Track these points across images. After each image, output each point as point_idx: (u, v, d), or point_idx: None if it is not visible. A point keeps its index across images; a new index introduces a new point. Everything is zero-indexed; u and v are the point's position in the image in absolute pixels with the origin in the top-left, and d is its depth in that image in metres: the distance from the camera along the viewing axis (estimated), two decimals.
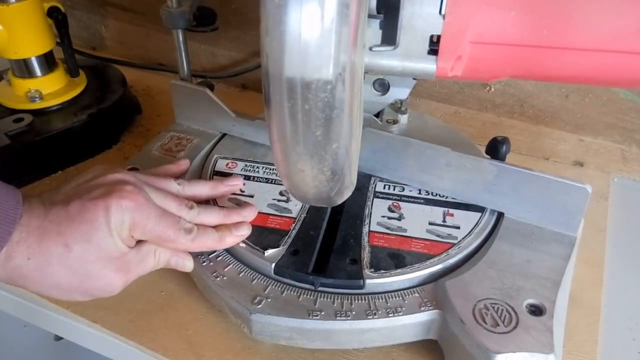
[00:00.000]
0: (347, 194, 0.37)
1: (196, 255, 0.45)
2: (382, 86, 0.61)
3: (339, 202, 0.38)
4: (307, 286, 0.43)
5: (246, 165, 0.55)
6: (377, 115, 0.62)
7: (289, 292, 0.42)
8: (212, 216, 0.45)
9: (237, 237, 0.45)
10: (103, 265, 0.39)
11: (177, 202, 0.43)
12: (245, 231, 0.45)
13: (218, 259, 0.45)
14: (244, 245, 0.45)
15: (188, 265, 0.44)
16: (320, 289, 0.42)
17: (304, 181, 0.33)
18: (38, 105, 0.67)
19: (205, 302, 0.47)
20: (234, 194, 0.51)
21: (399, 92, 0.61)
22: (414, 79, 0.59)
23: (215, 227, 0.45)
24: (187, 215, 0.43)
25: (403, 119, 0.63)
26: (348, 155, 0.33)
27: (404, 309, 0.41)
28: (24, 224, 0.37)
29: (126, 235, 0.40)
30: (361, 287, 0.42)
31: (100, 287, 0.40)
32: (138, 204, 0.40)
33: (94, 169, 0.44)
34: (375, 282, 0.42)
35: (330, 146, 0.31)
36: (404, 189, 0.51)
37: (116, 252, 0.40)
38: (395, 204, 0.50)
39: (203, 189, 0.49)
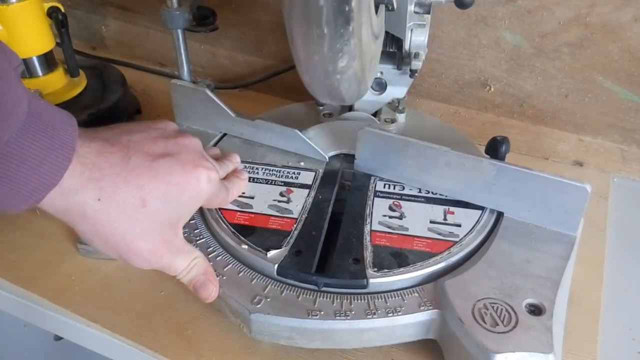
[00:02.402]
0: (356, 90, 0.41)
1: None
2: (379, 85, 0.61)
3: (349, 100, 0.42)
4: (308, 286, 0.43)
5: (246, 167, 0.55)
6: (375, 114, 0.62)
7: (288, 291, 0.42)
8: (225, 169, 0.50)
9: (245, 180, 0.52)
10: (160, 230, 0.39)
11: (216, 164, 0.47)
12: (246, 173, 0.53)
13: (217, 259, 0.45)
14: (245, 246, 0.45)
15: (206, 294, 0.42)
16: (322, 288, 0.42)
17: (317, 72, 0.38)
18: None
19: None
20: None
21: (396, 91, 0.61)
22: (412, 75, 0.59)
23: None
24: (221, 174, 0.48)
25: (401, 117, 0.63)
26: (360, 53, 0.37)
27: (403, 308, 0.41)
28: (96, 163, 0.36)
29: (198, 207, 0.43)
30: (365, 287, 0.42)
31: (141, 252, 0.39)
32: (219, 178, 0.45)
33: (162, 122, 0.45)
34: (378, 281, 0.42)
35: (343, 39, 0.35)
36: (404, 188, 0.51)
37: (177, 222, 0.41)
38: (395, 202, 0.50)
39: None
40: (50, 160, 0.33)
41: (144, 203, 0.38)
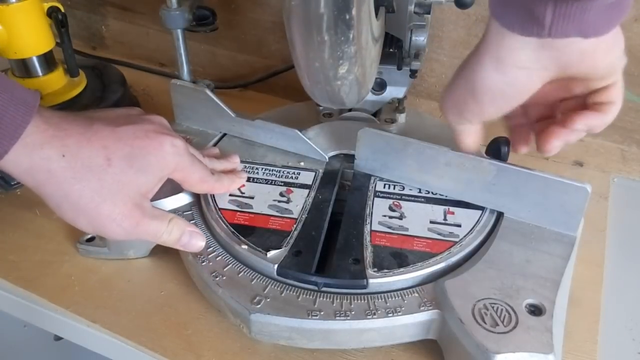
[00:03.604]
0: (356, 94, 0.42)
1: (196, 255, 0.46)
2: (379, 85, 0.61)
3: (350, 103, 0.44)
4: (308, 286, 0.43)
5: (245, 167, 0.55)
6: (375, 114, 0.62)
7: (288, 292, 0.42)
8: (216, 164, 0.51)
9: (242, 179, 0.52)
10: (129, 194, 0.39)
11: (198, 152, 0.49)
12: (245, 174, 0.53)
13: (217, 259, 0.45)
14: (245, 246, 0.45)
15: (199, 243, 0.45)
16: (322, 288, 0.42)
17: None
18: None
19: (205, 302, 0.47)
20: (233, 194, 0.51)
21: (396, 91, 0.61)
22: (412, 75, 0.59)
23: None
24: (207, 164, 0.49)
25: (401, 117, 0.63)
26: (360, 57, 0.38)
27: (403, 308, 0.41)
28: (60, 124, 0.37)
29: (166, 174, 0.43)
30: (364, 287, 0.42)
31: (113, 216, 0.39)
32: (186, 148, 0.44)
33: (132, 108, 0.47)
34: (378, 281, 0.42)
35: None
36: (404, 188, 0.51)
37: (145, 187, 0.41)
38: (395, 203, 0.50)
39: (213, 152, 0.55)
40: (10, 114, 0.35)
41: (109, 162, 0.38)
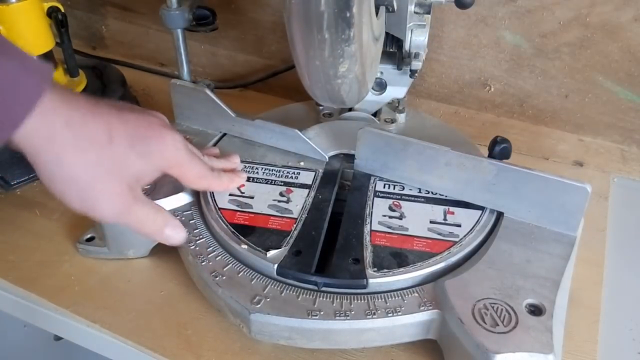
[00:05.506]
0: (356, 93, 0.42)
1: (196, 255, 0.45)
2: (379, 85, 0.61)
3: (350, 102, 0.44)
4: (307, 286, 0.43)
5: (245, 167, 0.55)
6: (375, 114, 0.62)
7: (288, 291, 0.42)
8: (216, 164, 0.51)
9: (242, 179, 0.52)
10: (124, 176, 0.39)
11: (198, 151, 0.48)
12: (245, 174, 0.53)
13: (217, 259, 0.45)
14: (245, 246, 0.45)
15: (180, 235, 0.44)
16: (322, 288, 0.42)
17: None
18: None
19: (205, 301, 0.47)
20: (233, 194, 0.51)
21: (396, 91, 0.61)
22: (412, 75, 0.59)
23: None
24: (206, 162, 0.48)
25: (401, 118, 0.63)
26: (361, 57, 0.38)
27: (403, 308, 0.41)
28: (67, 96, 0.37)
29: (164, 166, 0.43)
30: (364, 287, 0.42)
31: (109, 195, 0.39)
32: (186, 144, 0.44)
33: (133, 105, 0.47)
34: (378, 281, 0.42)
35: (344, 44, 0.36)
36: (404, 188, 0.51)
37: (142, 173, 0.41)
38: (395, 203, 0.50)
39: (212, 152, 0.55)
40: (27, 82, 0.34)
41: (111, 140, 0.38)
